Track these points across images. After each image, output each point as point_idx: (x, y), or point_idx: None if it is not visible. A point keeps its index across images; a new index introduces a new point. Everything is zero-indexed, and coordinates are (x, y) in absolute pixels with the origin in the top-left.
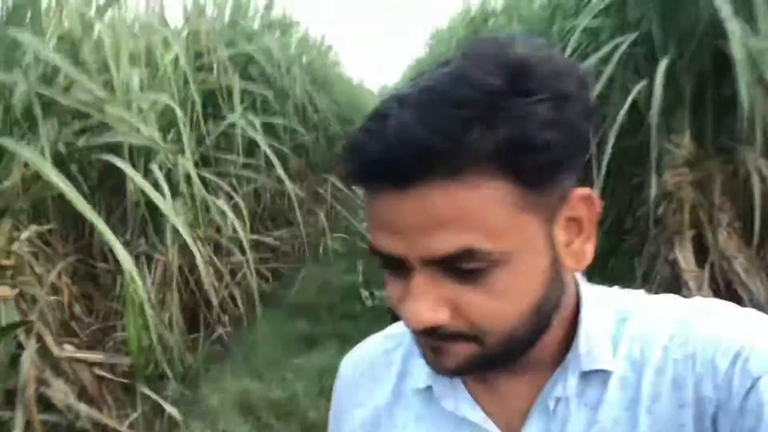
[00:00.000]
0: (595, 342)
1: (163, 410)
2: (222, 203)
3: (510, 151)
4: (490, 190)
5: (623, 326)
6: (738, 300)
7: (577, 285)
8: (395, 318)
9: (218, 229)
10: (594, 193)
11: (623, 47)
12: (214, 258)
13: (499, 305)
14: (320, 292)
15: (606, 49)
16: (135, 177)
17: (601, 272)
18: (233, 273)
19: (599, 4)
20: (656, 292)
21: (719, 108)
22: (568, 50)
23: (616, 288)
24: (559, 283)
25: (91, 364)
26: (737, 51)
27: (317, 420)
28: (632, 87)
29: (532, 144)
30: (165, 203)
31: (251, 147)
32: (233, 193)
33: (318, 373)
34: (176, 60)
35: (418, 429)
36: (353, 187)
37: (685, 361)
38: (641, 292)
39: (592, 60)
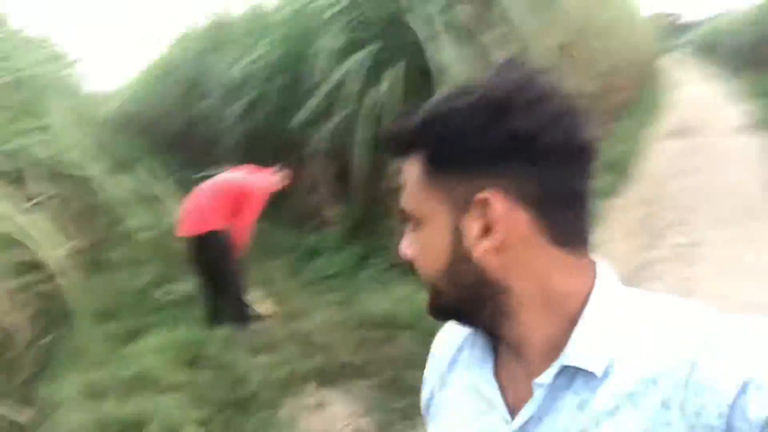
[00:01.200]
0: (590, 341)
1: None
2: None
3: (429, 138)
4: (414, 166)
5: (633, 333)
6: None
7: (591, 285)
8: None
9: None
10: (492, 196)
11: (367, 56)
12: None
13: (420, 255)
14: (117, 298)
15: (348, 63)
16: None
17: (364, 231)
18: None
19: (337, 26)
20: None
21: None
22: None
23: (657, 294)
24: (473, 268)
25: None
26: (435, 64)
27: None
28: (378, 87)
29: (444, 135)
30: None
31: None
32: None
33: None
34: None
35: (450, 394)
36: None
37: (685, 387)
38: (678, 301)
39: (339, 73)
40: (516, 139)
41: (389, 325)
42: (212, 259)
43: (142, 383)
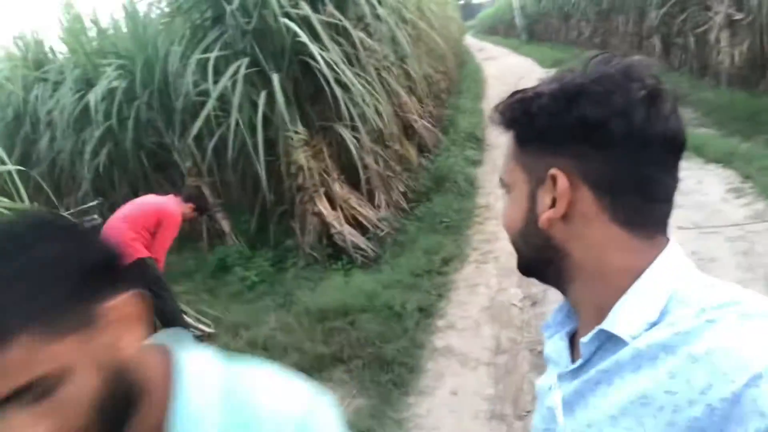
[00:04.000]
0: (627, 311)
1: None
2: None
3: (517, 117)
4: (510, 141)
5: (672, 309)
6: (361, 226)
7: (649, 263)
8: None
9: None
10: (558, 174)
11: (242, 70)
12: None
13: (505, 216)
14: None
15: (229, 73)
16: None
17: (264, 238)
18: None
19: (206, 40)
20: (314, 239)
21: (312, 101)
22: (190, 78)
23: (719, 281)
24: (541, 233)
25: None
26: (321, 62)
27: None
28: (256, 98)
29: (528, 115)
30: None
31: None
32: None
33: None
34: None
35: (546, 350)
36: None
37: (695, 362)
38: (737, 290)
39: (224, 82)
40: (585, 125)
41: (345, 312)
42: (145, 287)
43: None
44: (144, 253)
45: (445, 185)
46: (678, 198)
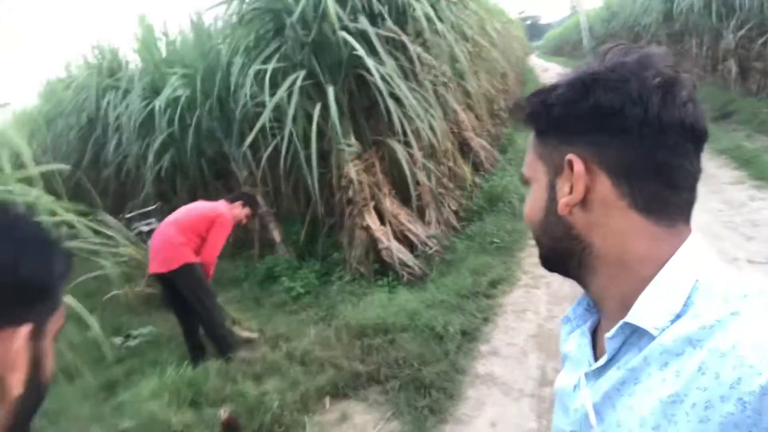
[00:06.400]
0: (652, 303)
1: None
2: None
3: (534, 111)
4: (531, 134)
5: (697, 301)
6: (410, 243)
7: (672, 253)
8: None
9: None
10: (575, 159)
11: (299, 82)
12: None
13: (527, 209)
14: (74, 353)
15: (286, 85)
16: None
17: (313, 249)
18: None
19: (266, 51)
20: (361, 254)
21: (366, 114)
22: (248, 88)
23: (745, 273)
24: (562, 222)
25: None
26: (376, 76)
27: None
28: (311, 110)
29: (545, 105)
30: None
31: None
32: None
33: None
34: None
35: (566, 348)
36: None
37: (723, 357)
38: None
39: (280, 93)
40: (601, 111)
41: (386, 330)
42: (191, 292)
43: (150, 431)
44: (192, 258)
45: (498, 205)
46: (749, 229)
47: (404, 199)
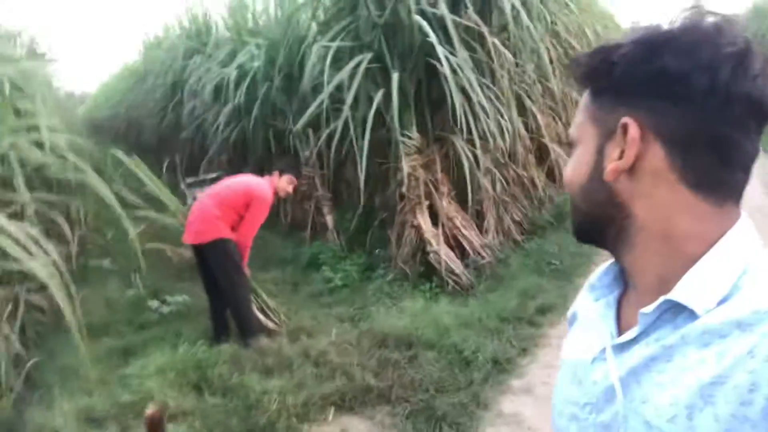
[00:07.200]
0: (700, 282)
1: None
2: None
3: (594, 68)
4: (585, 94)
5: (746, 284)
6: (461, 249)
7: (720, 233)
8: None
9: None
10: (629, 123)
11: (363, 65)
12: None
13: (569, 171)
14: (109, 310)
15: (351, 65)
16: None
17: (363, 240)
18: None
19: (335, 28)
20: (407, 254)
21: (432, 107)
22: (312, 65)
23: None
24: (606, 187)
25: None
26: (446, 67)
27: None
28: (374, 95)
29: (605, 64)
30: None
31: None
32: None
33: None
34: None
35: (582, 313)
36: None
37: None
38: None
39: (342, 74)
40: (666, 76)
41: (410, 344)
42: (220, 268)
43: (144, 410)
44: (226, 234)
45: (566, 222)
46: None
47: (463, 202)
